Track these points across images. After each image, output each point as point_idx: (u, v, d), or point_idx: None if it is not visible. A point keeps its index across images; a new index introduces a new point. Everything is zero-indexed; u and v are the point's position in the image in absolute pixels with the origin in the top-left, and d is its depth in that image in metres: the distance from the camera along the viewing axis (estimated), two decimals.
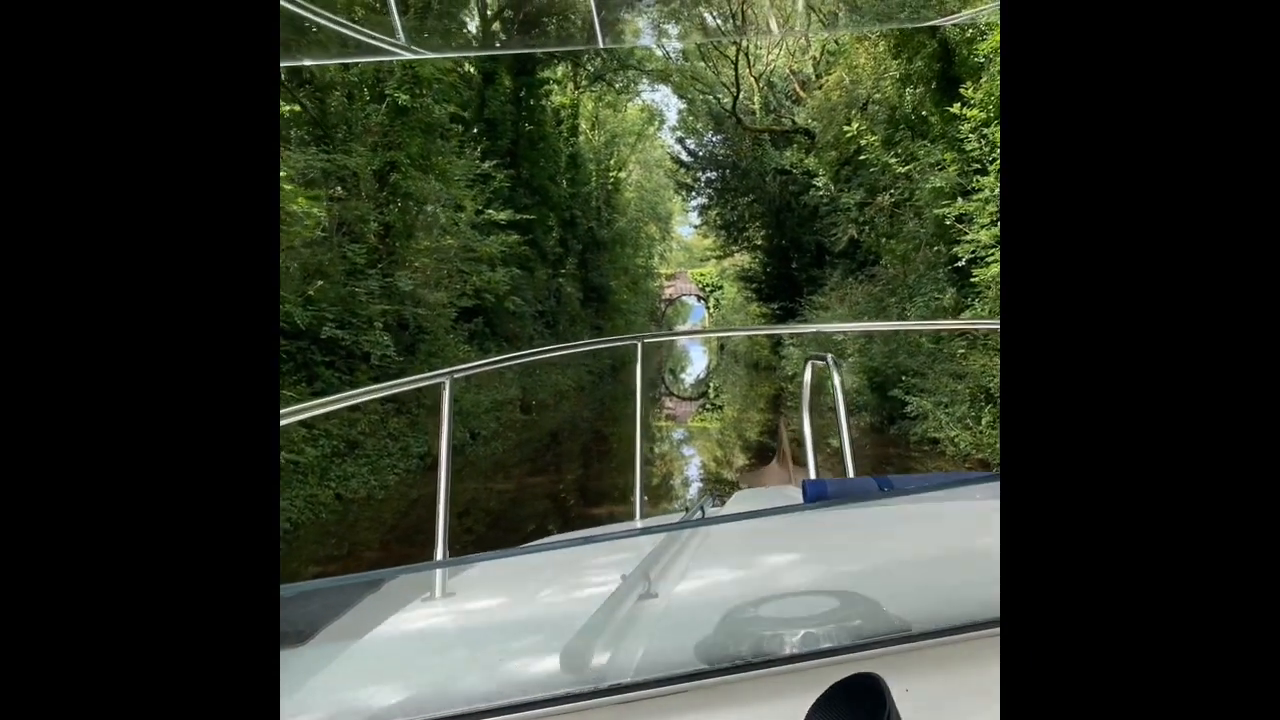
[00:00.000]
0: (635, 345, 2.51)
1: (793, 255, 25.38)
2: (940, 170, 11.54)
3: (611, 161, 32.40)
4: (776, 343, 22.26)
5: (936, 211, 12.15)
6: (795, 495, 1.69)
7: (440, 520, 1.74)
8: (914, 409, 11.60)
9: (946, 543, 1.33)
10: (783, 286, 25.22)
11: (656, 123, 35.06)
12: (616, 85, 28.32)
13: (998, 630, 0.70)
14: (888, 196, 16.08)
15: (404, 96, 10.43)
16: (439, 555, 1.74)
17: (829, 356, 2.61)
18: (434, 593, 1.30)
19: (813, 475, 2.47)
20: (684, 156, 29.43)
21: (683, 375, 32.29)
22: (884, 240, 16.59)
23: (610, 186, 31.74)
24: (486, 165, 14.18)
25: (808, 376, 2.66)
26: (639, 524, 2.21)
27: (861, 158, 15.36)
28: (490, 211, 14.28)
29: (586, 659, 0.91)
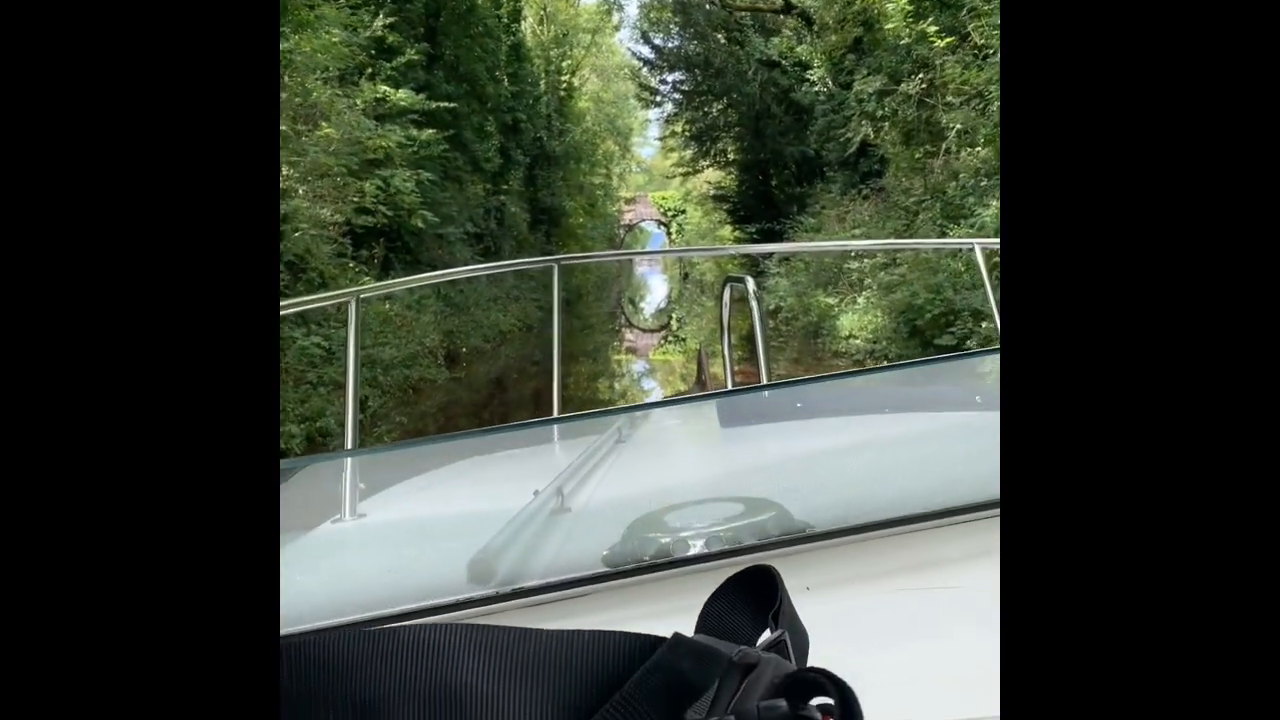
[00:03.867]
0: (553, 267, 2.58)
1: (772, 170, 22.06)
2: None
3: (564, 63, 28.14)
4: (760, 272, 19.18)
5: None
6: (711, 413, 1.69)
7: (349, 411, 1.89)
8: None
9: (851, 446, 1.41)
10: (761, 207, 22.00)
11: (615, 18, 30.78)
12: None
13: (898, 530, 0.90)
14: (917, 82, 12.49)
15: None
16: (349, 445, 1.87)
17: (748, 279, 2.58)
18: (344, 514, 1.28)
19: None
20: (647, 53, 25.36)
21: (642, 305, 29.85)
22: (910, 140, 13.06)
23: (563, 92, 27.57)
24: (381, 24, 10.14)
25: (726, 298, 2.70)
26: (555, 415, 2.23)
27: (888, 28, 11.66)
28: (388, 88, 10.31)
29: (494, 569, 0.92)
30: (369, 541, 1.24)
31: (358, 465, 1.37)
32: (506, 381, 13.54)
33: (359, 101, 10.52)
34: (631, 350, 18.31)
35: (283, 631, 0.74)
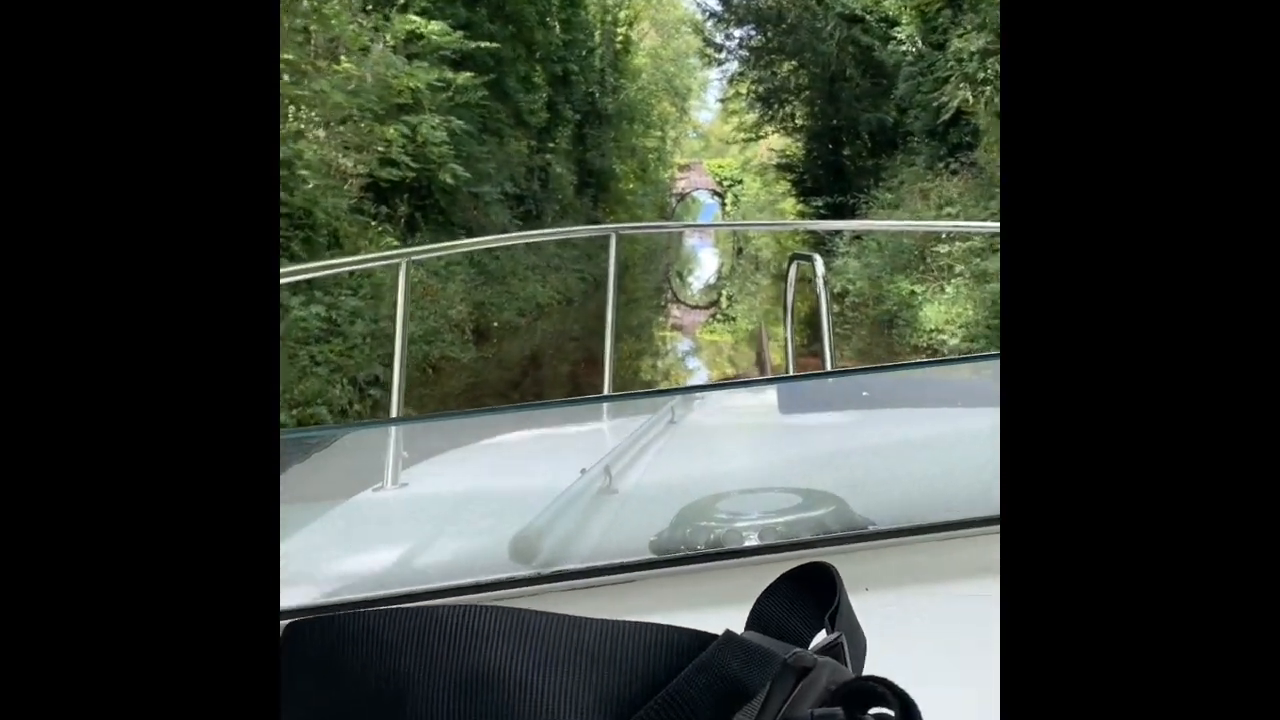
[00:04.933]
0: (610, 235, 2.54)
1: (845, 139, 20.29)
2: None
3: (621, 14, 26.46)
4: (826, 251, 17.74)
5: None
6: (770, 398, 1.65)
7: (396, 378, 1.89)
8: None
9: (920, 440, 1.36)
10: (830, 178, 20.31)
11: None
12: None
13: (961, 533, 0.84)
14: None
15: None
16: (395, 414, 1.91)
17: (816, 257, 2.44)
18: (385, 482, 1.29)
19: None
20: (714, 5, 23.57)
21: (690, 280, 28.47)
22: None
23: (619, 45, 25.92)
24: None
25: (792, 276, 2.58)
26: (606, 393, 2.24)
27: None
28: (418, 19, 8.89)
29: (538, 548, 0.91)
30: (410, 512, 1.24)
31: (401, 434, 1.37)
32: (541, 359, 12.25)
33: (388, 36, 9.14)
34: (677, 327, 17.39)
35: (316, 601, 0.75)
